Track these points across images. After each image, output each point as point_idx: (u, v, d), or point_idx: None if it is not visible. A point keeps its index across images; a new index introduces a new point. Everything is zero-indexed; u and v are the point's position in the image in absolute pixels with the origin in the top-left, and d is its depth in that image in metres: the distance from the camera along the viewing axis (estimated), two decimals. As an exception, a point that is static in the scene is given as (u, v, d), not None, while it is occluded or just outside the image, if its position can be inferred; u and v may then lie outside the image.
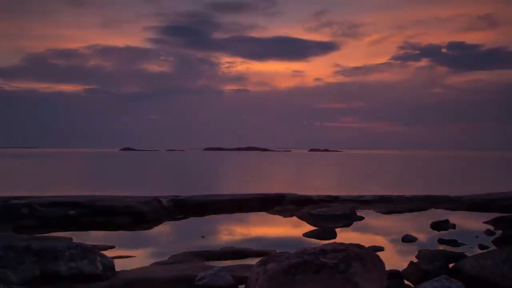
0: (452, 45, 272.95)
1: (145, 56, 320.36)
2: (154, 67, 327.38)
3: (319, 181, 30.48)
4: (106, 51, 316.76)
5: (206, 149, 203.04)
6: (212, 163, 67.51)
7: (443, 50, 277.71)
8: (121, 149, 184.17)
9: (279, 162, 71.46)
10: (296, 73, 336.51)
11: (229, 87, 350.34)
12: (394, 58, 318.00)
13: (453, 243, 8.97)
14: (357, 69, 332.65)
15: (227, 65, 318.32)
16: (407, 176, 36.52)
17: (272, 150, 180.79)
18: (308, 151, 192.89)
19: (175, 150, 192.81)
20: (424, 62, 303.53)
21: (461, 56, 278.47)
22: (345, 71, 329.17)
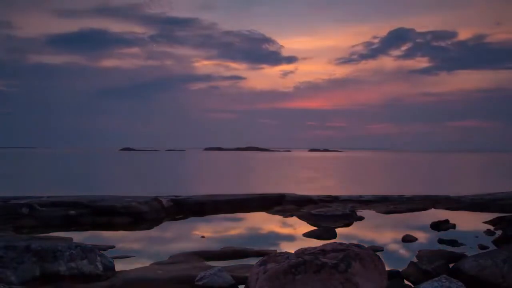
0: (449, 43, 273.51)
1: (113, 51, 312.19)
2: (125, 63, 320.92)
3: (319, 181, 30.47)
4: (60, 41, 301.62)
5: (206, 149, 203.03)
6: (212, 163, 67.52)
7: (438, 46, 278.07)
8: (121, 149, 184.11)
9: (279, 162, 71.40)
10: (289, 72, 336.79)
11: (224, 84, 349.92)
12: (391, 55, 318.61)
13: (453, 243, 8.97)
14: (350, 66, 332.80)
15: (220, 62, 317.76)
16: (407, 176, 36.50)
17: (272, 150, 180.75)
18: (308, 151, 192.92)
19: (174, 150, 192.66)
20: (420, 60, 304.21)
21: (456, 54, 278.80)
22: (338, 69, 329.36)
